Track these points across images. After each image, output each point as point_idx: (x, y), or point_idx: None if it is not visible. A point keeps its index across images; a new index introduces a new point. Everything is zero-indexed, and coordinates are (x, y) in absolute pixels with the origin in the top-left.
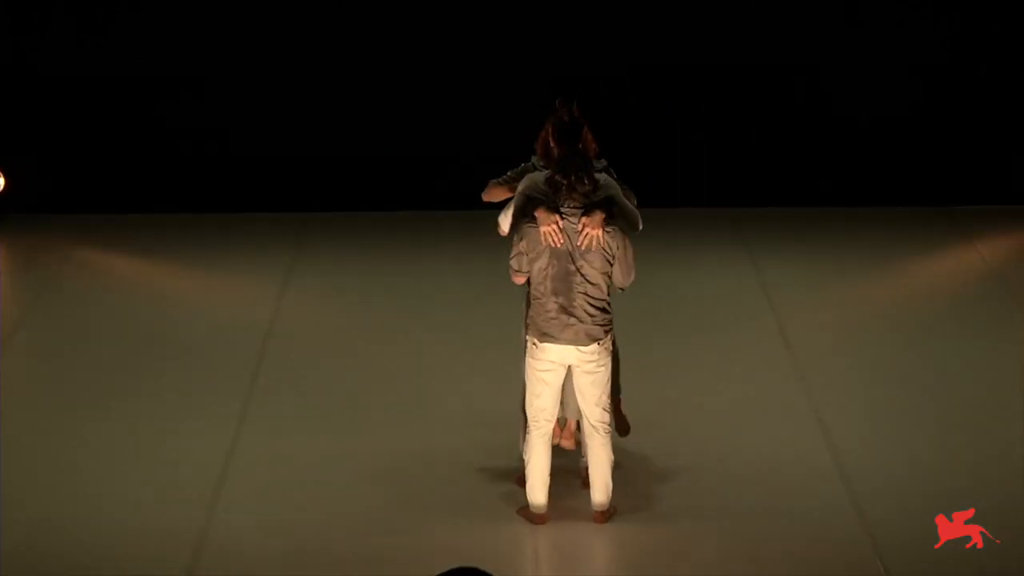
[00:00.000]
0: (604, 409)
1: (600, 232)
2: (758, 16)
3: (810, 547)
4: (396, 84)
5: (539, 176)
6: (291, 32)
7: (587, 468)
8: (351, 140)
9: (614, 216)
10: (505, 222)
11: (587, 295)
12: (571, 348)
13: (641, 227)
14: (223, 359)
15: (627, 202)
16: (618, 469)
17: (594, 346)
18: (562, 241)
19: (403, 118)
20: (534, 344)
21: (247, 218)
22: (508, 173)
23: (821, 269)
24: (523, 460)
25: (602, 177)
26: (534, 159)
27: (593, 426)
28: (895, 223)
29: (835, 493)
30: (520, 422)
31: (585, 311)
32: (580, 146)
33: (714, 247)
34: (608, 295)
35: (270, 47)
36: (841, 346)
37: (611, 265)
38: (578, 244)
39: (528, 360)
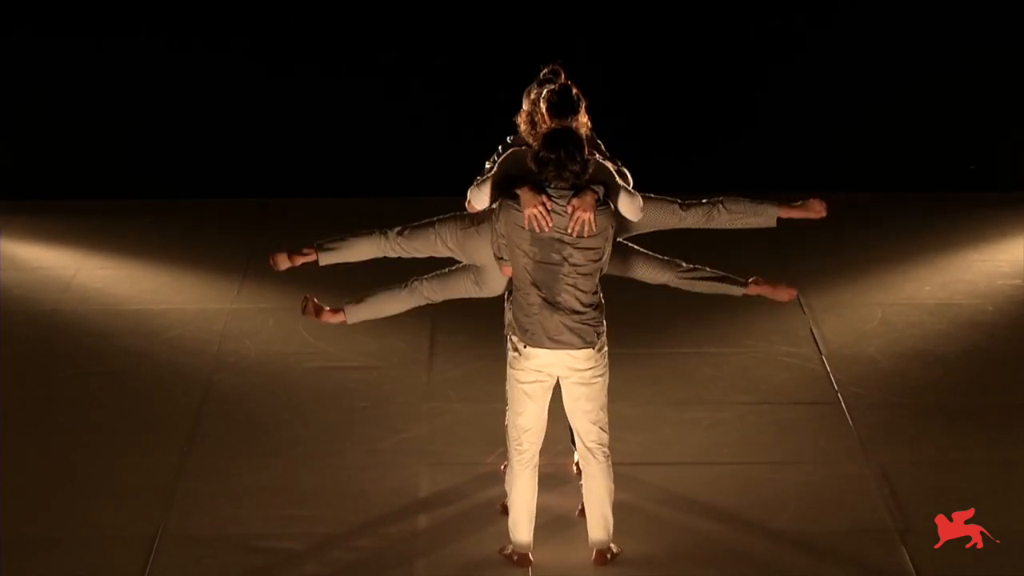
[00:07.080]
0: (602, 428)
1: (592, 216)
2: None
3: None
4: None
5: (524, 153)
6: (259, 27)
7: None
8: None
9: (607, 198)
10: (477, 198)
11: (577, 288)
12: (559, 353)
13: (642, 214)
14: (178, 356)
15: (625, 184)
16: (621, 501)
17: (587, 351)
18: (550, 226)
19: (368, 106)
20: (516, 350)
21: (203, 204)
22: (488, 164)
23: (853, 258)
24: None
25: (594, 160)
26: (510, 139)
27: (589, 448)
28: (932, 208)
29: (879, 520)
30: (505, 444)
31: (573, 308)
32: (573, 123)
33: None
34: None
35: (236, 44)
36: (880, 346)
37: (604, 251)
38: (568, 230)
39: (509, 371)
